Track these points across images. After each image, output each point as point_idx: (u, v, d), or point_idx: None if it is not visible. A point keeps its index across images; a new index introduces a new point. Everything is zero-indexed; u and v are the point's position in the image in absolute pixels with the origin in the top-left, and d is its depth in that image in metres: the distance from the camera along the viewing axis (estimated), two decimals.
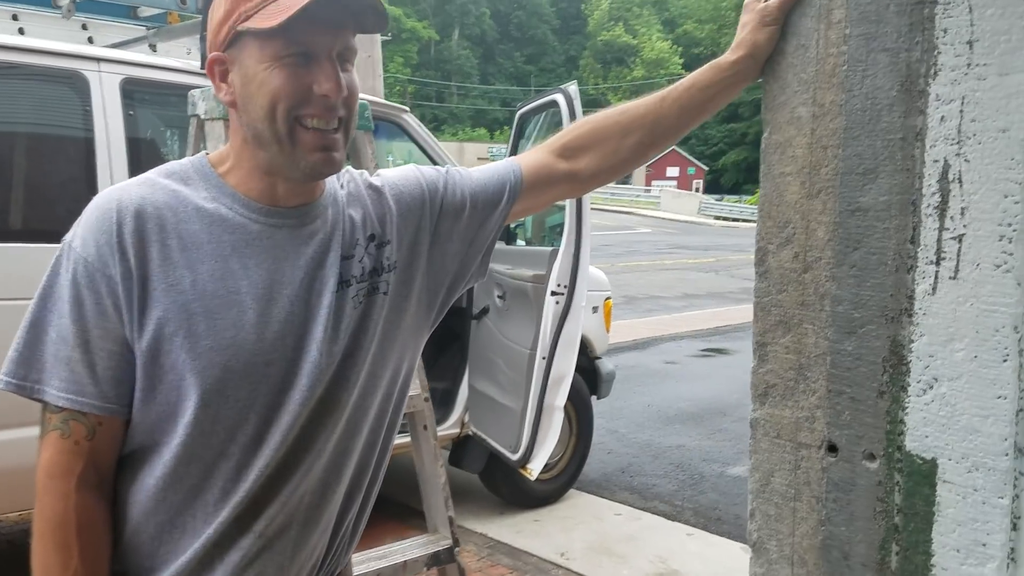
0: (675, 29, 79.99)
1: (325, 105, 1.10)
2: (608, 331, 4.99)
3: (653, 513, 4.77)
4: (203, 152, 1.23)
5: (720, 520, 4.72)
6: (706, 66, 1.37)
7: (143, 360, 1.09)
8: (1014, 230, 1.07)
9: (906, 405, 1.18)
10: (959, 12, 1.11)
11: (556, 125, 3.44)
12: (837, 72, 1.24)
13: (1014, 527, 1.10)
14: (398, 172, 1.33)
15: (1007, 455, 1.09)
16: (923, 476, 1.17)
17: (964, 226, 1.12)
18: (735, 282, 16.62)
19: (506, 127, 65.52)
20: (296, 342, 1.13)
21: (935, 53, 1.14)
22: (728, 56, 1.33)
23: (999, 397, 1.10)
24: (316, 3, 1.04)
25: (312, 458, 1.17)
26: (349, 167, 1.32)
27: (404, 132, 3.84)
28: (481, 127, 67.90)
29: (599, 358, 4.83)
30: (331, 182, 1.25)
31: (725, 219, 41.86)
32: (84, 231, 1.10)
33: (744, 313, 12.41)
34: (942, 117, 1.13)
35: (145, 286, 1.08)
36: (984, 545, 1.11)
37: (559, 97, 3.31)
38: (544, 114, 3.69)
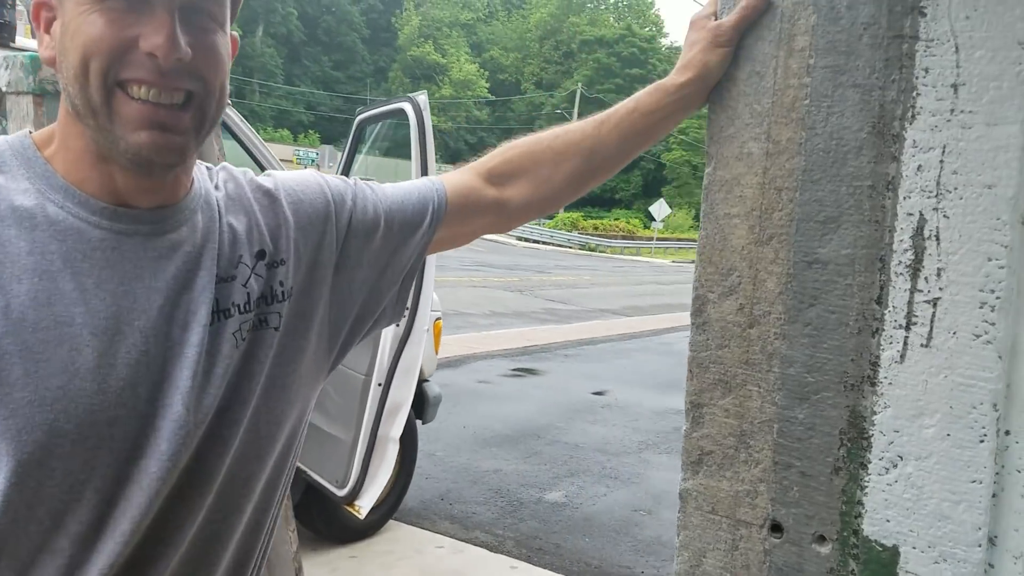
0: (482, 53, 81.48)
1: (154, 68, 0.82)
2: (436, 352, 4.78)
3: (475, 544, 4.58)
4: (26, 131, 0.91)
5: (542, 551, 4.62)
6: (650, 88, 1.19)
7: None
8: (997, 297, 0.97)
9: (865, 484, 1.06)
10: (944, 51, 1.01)
11: (402, 135, 3.20)
12: (797, 106, 1.10)
13: None
14: (295, 176, 1.06)
15: (979, 546, 0.99)
16: (882, 565, 1.04)
17: (940, 289, 1.01)
18: (539, 302, 16.94)
19: (311, 131, 63.71)
20: (151, 393, 0.85)
21: (914, 94, 1.02)
22: (674, 78, 1.17)
23: (973, 481, 0.99)
24: None
25: (174, 551, 0.88)
26: (226, 164, 1.03)
27: (226, 129, 3.45)
28: (284, 128, 65.67)
29: (427, 381, 4.60)
30: (202, 179, 0.96)
31: (527, 240, 42.87)
32: None
33: (550, 334, 12.61)
34: (919, 166, 1.02)
35: None
36: None
37: (407, 106, 3.07)
38: (386, 123, 3.44)
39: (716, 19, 1.16)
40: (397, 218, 1.10)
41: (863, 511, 1.06)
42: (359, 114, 3.53)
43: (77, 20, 0.81)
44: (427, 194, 1.13)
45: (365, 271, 1.07)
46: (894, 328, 1.04)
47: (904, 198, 1.03)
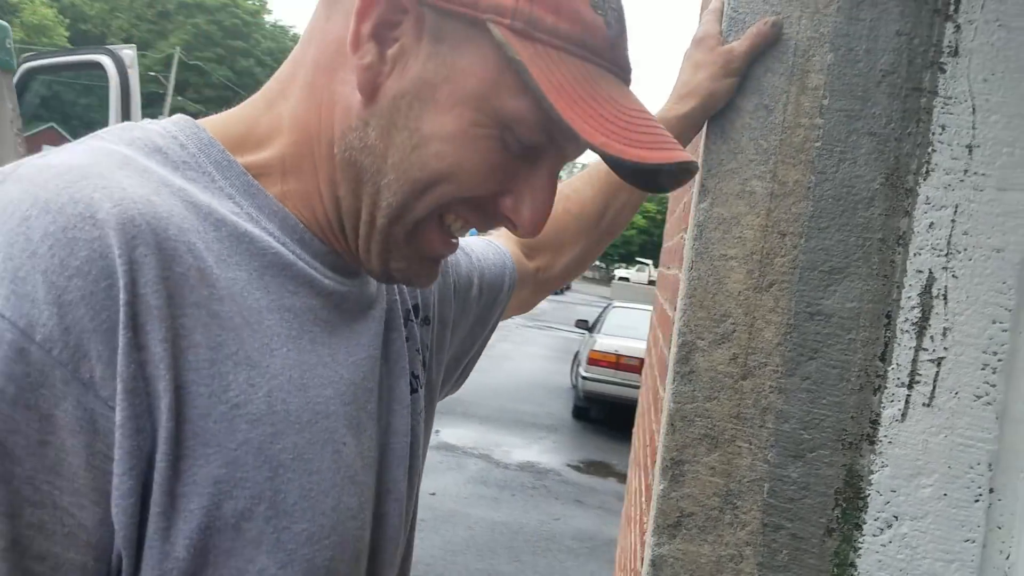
0: None
1: (498, 227, 0.63)
2: None
3: None
4: (185, 118, 0.60)
5: None
6: None
7: (203, 512, 0.49)
8: (999, 359, 1.00)
9: (859, 546, 1.03)
10: (961, 111, 1.01)
11: (97, 94, 2.58)
12: (807, 148, 1.04)
13: None
14: None
15: None
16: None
17: (945, 348, 1.01)
18: None
19: None
20: (375, 503, 0.64)
21: (929, 150, 1.02)
22: (677, 107, 1.03)
23: (967, 541, 1.01)
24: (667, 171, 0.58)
25: None
26: None
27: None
28: None
29: None
30: None
31: None
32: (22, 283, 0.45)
33: None
34: (931, 223, 1.01)
35: (182, 405, 0.49)
36: None
37: (106, 60, 2.48)
38: (68, 76, 2.76)
39: (724, 42, 1.05)
40: (486, 278, 0.86)
41: (856, 573, 1.03)
42: (27, 61, 2.77)
43: (465, 124, 0.55)
44: (499, 254, 0.90)
45: (456, 336, 0.80)
46: (896, 386, 1.02)
47: (914, 254, 1.02)
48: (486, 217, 0.60)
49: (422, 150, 0.55)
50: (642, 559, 1.16)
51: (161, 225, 0.50)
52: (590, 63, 0.55)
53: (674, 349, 1.07)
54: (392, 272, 0.61)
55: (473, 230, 0.73)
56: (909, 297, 1.02)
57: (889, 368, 1.02)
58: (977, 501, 1.00)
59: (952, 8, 1.01)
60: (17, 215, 0.45)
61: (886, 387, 1.02)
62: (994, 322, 1.00)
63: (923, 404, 1.01)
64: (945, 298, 1.01)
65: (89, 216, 0.47)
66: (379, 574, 0.64)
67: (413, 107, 0.55)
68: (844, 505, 1.03)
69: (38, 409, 0.44)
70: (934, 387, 1.01)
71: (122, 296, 0.47)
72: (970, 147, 1.01)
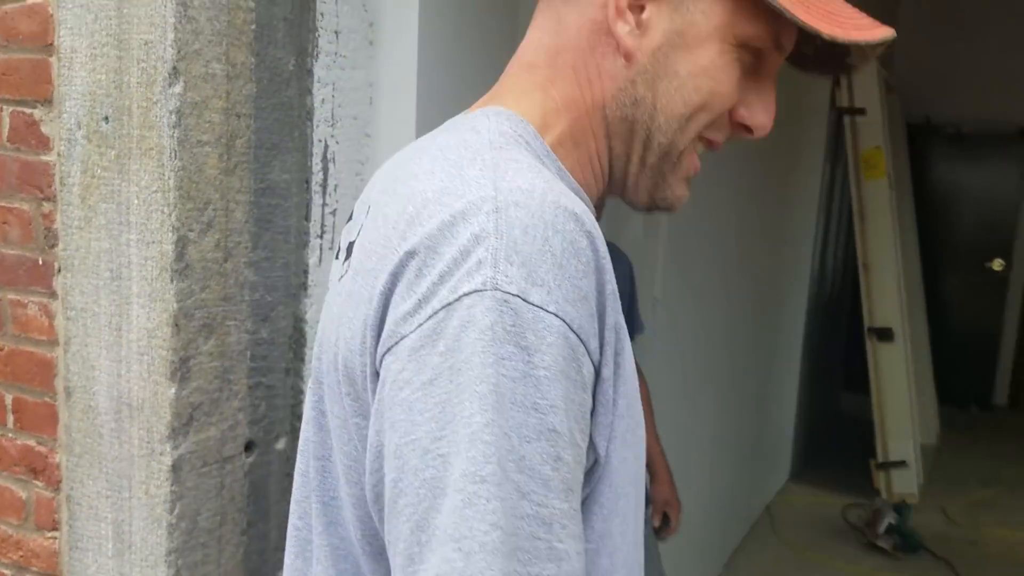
0: None
1: (728, 135, 0.73)
2: None
3: None
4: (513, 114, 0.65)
5: None
6: None
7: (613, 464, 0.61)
8: None
9: (304, 374, 1.25)
10: (330, 0, 1.21)
11: None
12: (246, 30, 1.07)
13: None
14: None
15: None
16: None
17: (336, 201, 1.27)
18: None
19: None
20: None
21: (316, 35, 1.19)
22: None
23: None
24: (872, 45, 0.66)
25: None
26: None
27: None
28: None
29: None
30: None
31: None
32: (558, 277, 0.55)
33: None
34: (323, 100, 1.22)
35: (619, 364, 0.61)
36: None
37: None
38: None
39: None
40: None
41: (303, 393, 1.25)
42: None
43: (714, 49, 0.66)
44: None
45: None
46: (315, 238, 1.23)
47: (316, 127, 1.21)
48: (725, 131, 0.71)
49: (684, 89, 0.66)
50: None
51: (595, 226, 0.60)
52: None
53: (168, 246, 1.00)
54: (657, 202, 0.72)
55: None
56: (315, 164, 1.21)
57: (309, 225, 1.21)
58: None
59: None
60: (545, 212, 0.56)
61: (309, 241, 1.22)
62: (356, 174, 1.29)
63: (329, 249, 1.25)
64: (334, 161, 1.24)
65: (570, 223, 0.57)
66: None
67: (670, 56, 0.66)
68: (295, 348, 1.21)
69: (580, 379, 0.56)
70: (333, 234, 1.26)
71: (597, 291, 0.58)
72: (337, 32, 1.22)
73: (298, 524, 0.72)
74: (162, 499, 1.05)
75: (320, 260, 1.24)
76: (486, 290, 0.53)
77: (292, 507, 0.73)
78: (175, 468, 1.05)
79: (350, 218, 0.73)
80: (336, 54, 1.22)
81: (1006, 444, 5.62)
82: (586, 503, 0.60)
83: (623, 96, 0.68)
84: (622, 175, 0.71)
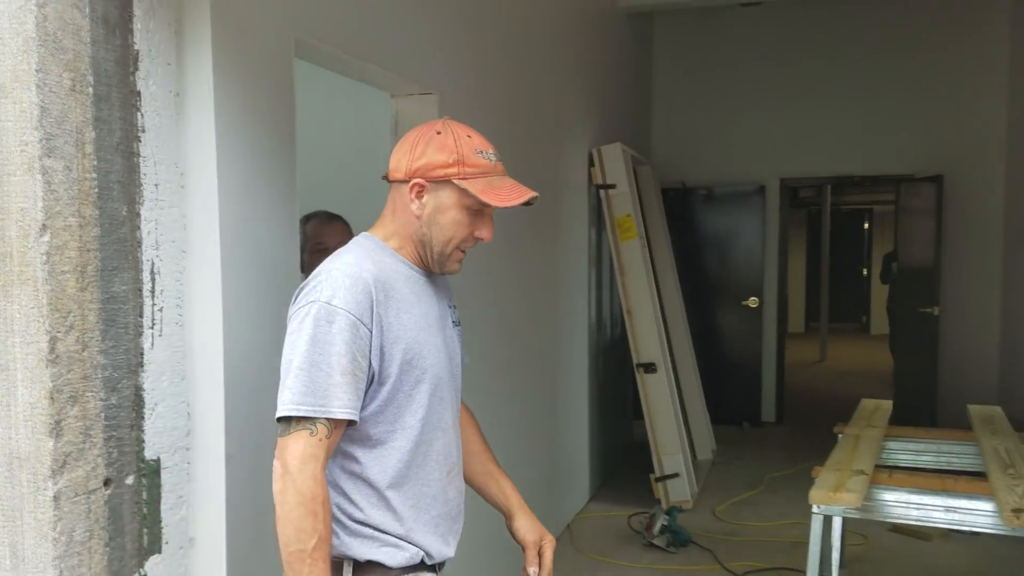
0: None
1: (476, 243, 1.67)
2: None
3: None
4: (365, 235, 1.68)
5: None
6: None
7: (394, 377, 1.57)
8: (178, 304, 1.82)
9: (144, 428, 1.73)
10: (148, 165, 1.73)
11: None
12: (91, 192, 1.58)
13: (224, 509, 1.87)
14: None
15: (186, 447, 1.85)
16: (153, 472, 1.76)
17: (163, 303, 1.77)
18: None
19: None
20: (451, 356, 1.75)
21: (141, 188, 1.71)
22: None
23: (188, 413, 1.83)
24: (525, 203, 1.61)
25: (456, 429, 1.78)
26: None
27: None
28: None
29: None
30: None
31: None
32: (346, 295, 1.51)
33: None
34: (148, 232, 1.73)
35: (384, 329, 1.55)
36: (185, 521, 1.84)
37: None
38: None
39: None
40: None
41: (144, 445, 1.73)
42: None
43: (453, 212, 1.60)
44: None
45: None
46: (148, 329, 1.73)
47: (145, 251, 1.71)
48: (470, 242, 1.64)
49: (443, 231, 1.61)
50: None
51: (375, 272, 1.54)
52: (489, 175, 1.58)
53: (43, 344, 1.48)
54: (444, 270, 1.67)
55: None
56: (145, 277, 1.71)
57: (143, 320, 1.71)
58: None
59: (138, 101, 1.69)
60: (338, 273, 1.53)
61: (143, 332, 1.71)
62: (177, 282, 1.80)
63: (159, 336, 1.75)
64: (159, 273, 1.75)
65: (359, 276, 1.52)
66: (455, 383, 1.74)
67: (434, 216, 1.60)
68: (136, 407, 1.70)
69: (357, 334, 1.51)
70: (161, 326, 1.76)
71: (369, 299, 1.52)
72: (156, 184, 1.74)
73: None
74: (47, 521, 1.50)
75: (152, 345, 1.74)
76: (317, 301, 1.49)
77: None
78: (55, 499, 1.51)
79: None
80: (157, 199, 1.74)
81: (772, 453, 6.58)
82: (392, 394, 1.58)
83: (418, 233, 1.64)
84: (427, 260, 1.60)
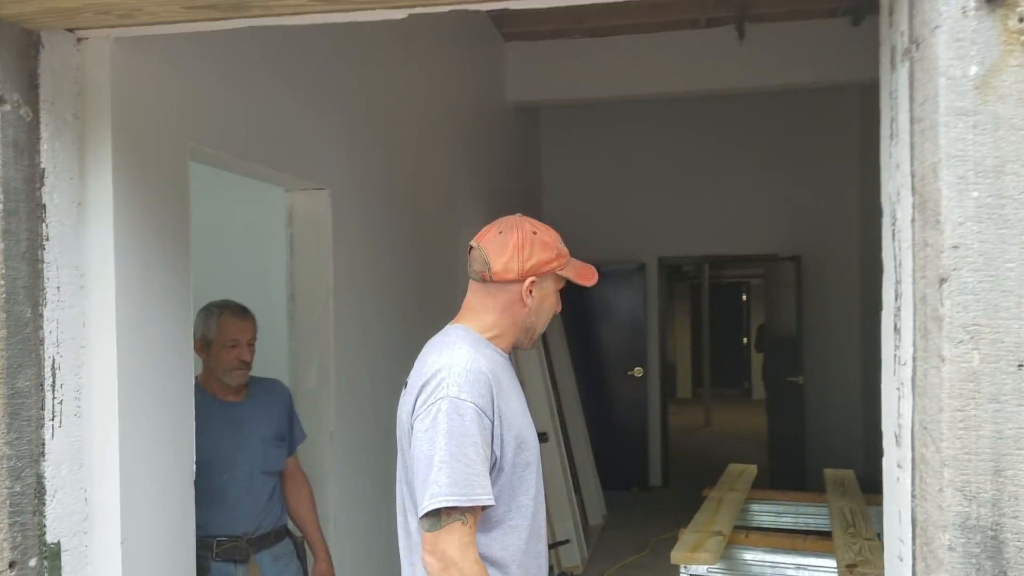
0: None
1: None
2: None
3: None
4: (463, 328, 1.85)
5: None
6: None
7: (510, 462, 1.73)
8: (76, 396, 1.97)
9: (46, 513, 1.85)
10: (48, 270, 1.89)
11: None
12: (1, 294, 1.73)
13: None
14: None
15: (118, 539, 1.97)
16: (54, 554, 1.88)
17: (63, 396, 1.91)
18: None
19: None
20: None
21: (44, 291, 1.87)
22: None
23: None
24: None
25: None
26: None
27: None
28: None
29: None
30: None
31: None
32: (470, 389, 1.67)
33: None
34: (51, 331, 1.88)
35: (502, 417, 1.72)
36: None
37: None
38: None
39: None
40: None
41: (46, 528, 1.85)
42: None
43: (552, 298, 1.87)
44: None
45: None
46: (49, 422, 1.87)
47: (47, 349, 1.86)
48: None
49: (545, 316, 1.88)
50: None
51: (488, 365, 1.73)
52: (571, 260, 1.86)
53: None
54: (529, 347, 1.95)
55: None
56: (47, 373, 1.86)
57: (44, 413, 1.85)
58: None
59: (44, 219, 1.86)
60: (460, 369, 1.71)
61: (44, 424, 1.85)
62: (76, 375, 1.95)
63: (59, 427, 1.89)
64: (60, 369, 1.90)
65: (479, 371, 1.71)
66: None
67: (541, 305, 1.85)
68: (39, 495, 1.82)
69: (483, 424, 1.68)
70: (61, 418, 1.90)
71: (490, 392, 1.70)
72: (58, 287, 1.90)
73: (398, 506, 1.86)
74: None
75: (53, 435, 1.87)
76: (447, 396, 1.66)
77: (398, 502, 1.87)
78: None
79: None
80: (59, 300, 1.90)
81: (658, 516, 6.87)
82: (508, 477, 1.74)
83: (526, 322, 1.86)
84: (522, 343, 1.91)
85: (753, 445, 9.97)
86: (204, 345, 2.65)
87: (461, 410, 1.64)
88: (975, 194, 1.37)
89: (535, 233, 1.82)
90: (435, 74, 4.84)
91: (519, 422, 1.78)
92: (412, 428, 1.71)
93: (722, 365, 14.93)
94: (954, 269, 1.38)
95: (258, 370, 2.82)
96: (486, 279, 1.81)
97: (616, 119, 7.85)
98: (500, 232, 1.83)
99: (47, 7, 1.72)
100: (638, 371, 7.69)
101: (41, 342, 1.85)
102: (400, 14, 1.75)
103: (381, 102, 3.96)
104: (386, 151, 4.00)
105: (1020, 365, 1.36)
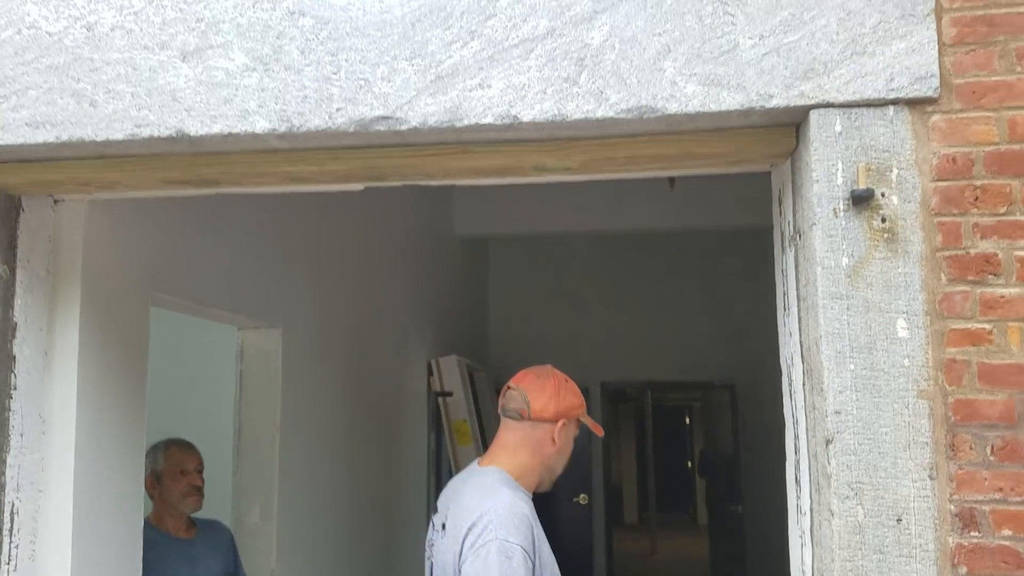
0: None
1: None
2: None
3: None
4: (500, 472, 2.01)
5: None
6: None
7: None
8: (32, 540, 2.04)
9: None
10: (19, 403, 2.00)
11: None
12: None
13: None
14: None
15: None
16: None
17: (19, 539, 1.98)
18: None
19: None
20: None
21: (8, 438, 1.96)
22: None
23: None
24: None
25: None
26: None
27: None
28: None
29: None
30: None
31: None
32: (516, 532, 1.82)
33: None
34: (11, 476, 1.97)
35: (540, 557, 1.88)
36: None
37: None
38: None
39: None
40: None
41: None
42: None
43: (571, 441, 2.07)
44: None
45: None
46: (4, 564, 1.93)
47: (7, 494, 1.95)
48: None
49: (566, 457, 2.08)
50: None
51: (528, 509, 1.92)
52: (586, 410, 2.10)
53: None
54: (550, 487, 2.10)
55: None
56: (5, 518, 1.94)
57: (1, 555, 1.92)
58: None
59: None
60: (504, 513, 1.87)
61: (1, 567, 1.91)
62: (32, 519, 2.02)
63: (13, 572, 1.95)
64: (18, 513, 1.97)
65: (522, 515, 1.88)
66: None
67: (565, 447, 2.06)
68: None
69: (527, 566, 1.83)
70: (16, 562, 1.96)
71: (532, 535, 1.87)
72: (22, 434, 2.00)
73: None
74: None
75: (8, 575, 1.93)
76: (496, 539, 1.80)
77: None
78: None
79: (436, 510, 2.06)
80: (21, 447, 1.99)
81: None
82: None
83: (551, 461, 2.06)
84: (543, 483, 2.06)
85: (698, 572, 9.96)
86: (155, 480, 2.74)
87: (510, 552, 1.80)
88: (852, 367, 1.59)
89: (567, 381, 2.09)
90: (386, 213, 5.09)
91: (550, 560, 1.96)
92: (460, 570, 1.86)
93: (668, 488, 14.98)
94: (837, 432, 1.58)
95: (206, 505, 2.89)
96: (524, 416, 2.02)
97: (560, 249, 8.19)
98: (538, 376, 2.07)
99: (32, 179, 1.90)
100: (583, 498, 7.75)
101: (2, 488, 1.93)
102: (358, 187, 1.96)
103: (333, 241, 4.17)
104: (338, 288, 4.18)
105: (899, 519, 1.55)
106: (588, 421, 2.10)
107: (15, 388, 1.98)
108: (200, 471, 2.84)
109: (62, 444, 2.10)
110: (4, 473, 1.95)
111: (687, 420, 16.16)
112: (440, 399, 5.68)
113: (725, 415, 7.52)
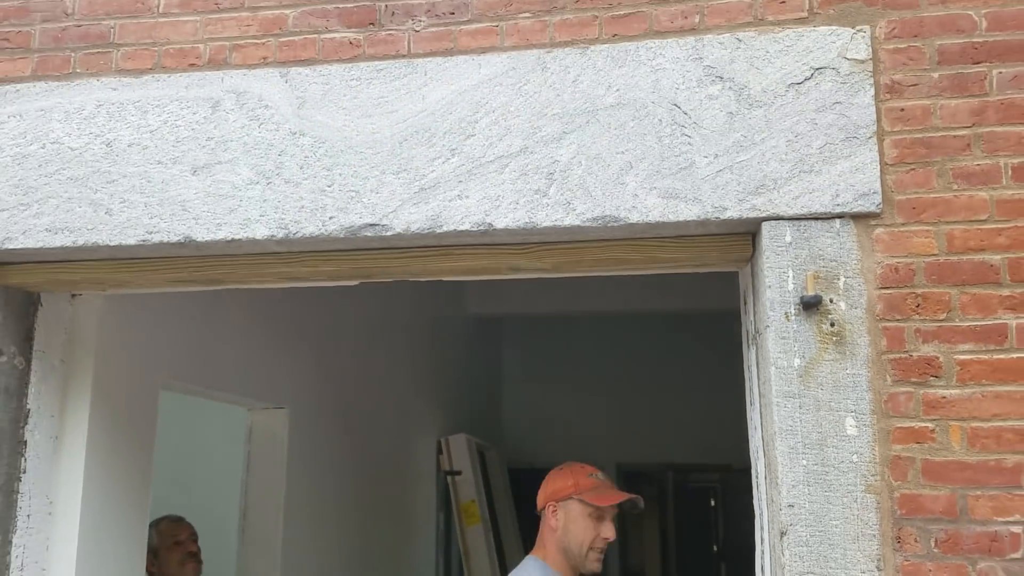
0: None
1: (604, 543, 2.23)
2: None
3: None
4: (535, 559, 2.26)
5: None
6: None
7: None
8: None
9: None
10: (28, 486, 2.12)
11: None
12: None
13: None
14: None
15: None
16: None
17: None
18: None
19: None
20: None
21: (16, 519, 2.08)
22: None
23: None
24: (627, 503, 2.24)
25: None
26: None
27: None
28: None
29: None
30: None
31: None
32: None
33: None
34: (16, 556, 2.08)
35: None
36: None
37: None
38: None
39: None
40: None
41: None
42: None
43: (582, 521, 2.20)
44: None
45: None
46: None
47: (11, 572, 2.05)
48: (600, 543, 2.22)
49: (576, 537, 2.22)
50: None
51: None
52: (599, 488, 2.24)
53: None
54: (586, 570, 2.23)
55: None
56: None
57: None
58: None
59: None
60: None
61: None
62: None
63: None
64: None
65: None
66: None
67: (568, 527, 2.23)
68: None
69: None
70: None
71: None
72: (28, 515, 2.12)
73: None
74: None
75: None
76: None
77: None
78: None
79: None
80: (28, 528, 2.11)
81: None
82: None
83: (561, 543, 2.25)
84: (574, 565, 2.24)
85: None
86: (153, 557, 2.85)
87: None
88: (804, 462, 1.68)
89: (560, 468, 2.33)
90: (394, 294, 5.24)
91: None
92: None
93: (692, 573, 14.63)
94: (791, 524, 1.66)
95: None
96: (537, 511, 2.33)
97: (575, 330, 8.28)
98: (549, 473, 2.34)
99: (50, 279, 2.06)
100: None
101: (7, 567, 2.04)
102: (353, 282, 2.10)
103: (341, 322, 4.31)
104: (347, 368, 4.30)
105: None
106: (588, 497, 2.23)
107: (24, 472, 2.11)
108: (195, 540, 2.97)
109: (67, 525, 2.21)
110: (9, 552, 2.06)
111: (712, 502, 15.87)
112: (449, 478, 5.72)
113: (748, 499, 7.44)
